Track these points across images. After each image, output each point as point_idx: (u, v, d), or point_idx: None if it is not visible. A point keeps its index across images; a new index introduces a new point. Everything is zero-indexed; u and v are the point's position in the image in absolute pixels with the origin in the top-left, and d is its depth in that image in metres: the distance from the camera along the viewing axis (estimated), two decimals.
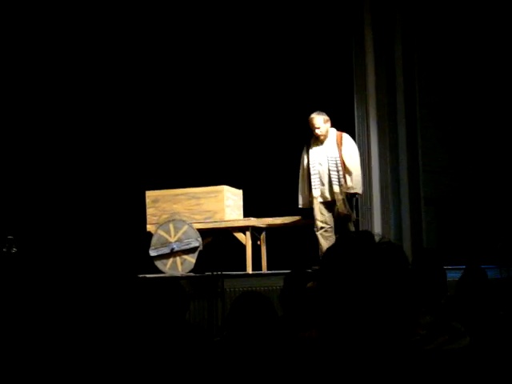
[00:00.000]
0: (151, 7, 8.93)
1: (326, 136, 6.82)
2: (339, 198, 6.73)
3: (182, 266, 7.05)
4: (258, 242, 7.24)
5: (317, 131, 6.80)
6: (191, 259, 6.99)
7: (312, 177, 6.81)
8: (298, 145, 8.71)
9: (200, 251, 6.99)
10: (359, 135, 8.01)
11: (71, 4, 8.74)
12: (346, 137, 6.90)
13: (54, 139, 8.86)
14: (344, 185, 6.73)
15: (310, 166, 6.84)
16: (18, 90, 8.82)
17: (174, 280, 5.40)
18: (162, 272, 7.11)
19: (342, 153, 6.78)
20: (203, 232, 7.13)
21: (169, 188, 7.40)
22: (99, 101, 8.96)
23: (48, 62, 8.86)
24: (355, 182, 6.75)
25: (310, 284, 3.06)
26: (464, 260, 4.98)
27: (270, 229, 7.36)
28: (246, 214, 7.53)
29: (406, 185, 7.77)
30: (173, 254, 7.05)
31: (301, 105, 8.74)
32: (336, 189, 6.71)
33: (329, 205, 6.81)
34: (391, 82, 7.92)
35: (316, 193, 6.80)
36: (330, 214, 6.82)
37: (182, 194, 7.27)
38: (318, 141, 6.86)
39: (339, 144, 6.81)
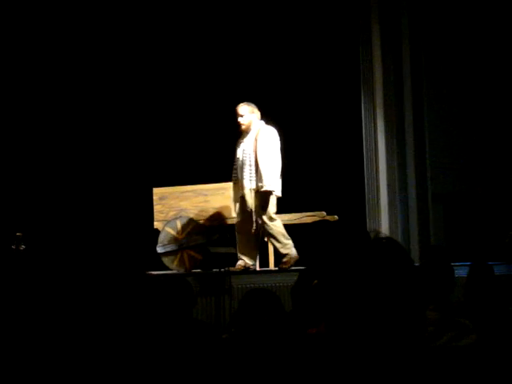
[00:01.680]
0: (157, 5, 8.93)
1: (248, 128, 6.56)
2: (247, 193, 6.45)
3: (189, 262, 7.06)
4: (266, 239, 7.24)
5: (239, 119, 6.55)
6: (198, 256, 7.00)
7: (233, 173, 6.68)
8: (304, 142, 8.71)
9: (207, 248, 7.00)
10: (366, 132, 8.00)
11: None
12: (263, 130, 6.60)
13: (61, 136, 8.88)
14: (255, 181, 6.43)
15: (235, 161, 6.67)
16: (27, 86, 8.85)
17: (181, 277, 5.41)
18: (169, 269, 7.12)
19: (257, 147, 6.51)
20: (210, 229, 7.13)
21: (176, 185, 7.41)
22: (107, 97, 8.97)
23: (55, 60, 8.87)
24: (266, 179, 6.42)
25: (315, 281, 3.06)
26: (471, 257, 4.97)
27: None
28: None
29: (414, 181, 7.75)
30: (180, 250, 7.06)
31: (307, 102, 8.74)
32: (245, 183, 6.44)
33: (244, 202, 6.55)
34: (398, 78, 7.90)
35: (233, 188, 6.71)
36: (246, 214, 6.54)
37: (189, 191, 7.28)
38: (242, 135, 6.63)
39: (256, 138, 6.55)
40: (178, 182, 7.49)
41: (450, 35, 7.98)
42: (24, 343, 1.67)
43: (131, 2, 8.93)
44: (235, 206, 6.73)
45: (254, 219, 6.49)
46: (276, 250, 6.72)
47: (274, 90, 8.79)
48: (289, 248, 6.57)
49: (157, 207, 7.39)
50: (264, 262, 7.14)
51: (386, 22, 7.93)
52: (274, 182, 6.48)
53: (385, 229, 7.61)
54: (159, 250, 7.16)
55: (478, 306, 3.41)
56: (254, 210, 6.48)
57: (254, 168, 6.45)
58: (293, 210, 7.24)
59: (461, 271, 4.01)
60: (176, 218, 7.17)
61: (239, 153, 6.59)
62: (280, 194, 6.65)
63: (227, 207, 7.21)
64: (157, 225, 7.38)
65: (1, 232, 7.54)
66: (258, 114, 6.68)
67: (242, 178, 6.49)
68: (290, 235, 7.38)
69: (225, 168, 8.15)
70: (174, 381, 2.36)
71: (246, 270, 6.58)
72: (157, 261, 7.14)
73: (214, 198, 7.30)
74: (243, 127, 6.58)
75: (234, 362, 2.05)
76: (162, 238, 7.23)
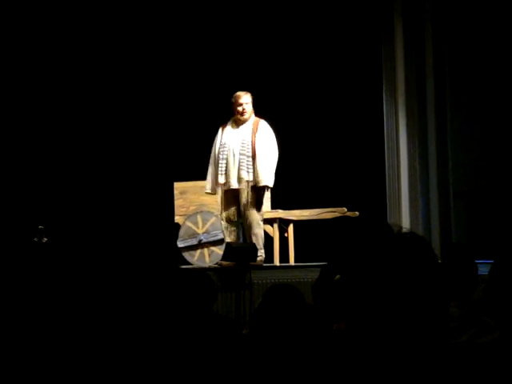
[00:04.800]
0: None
1: (248, 118, 6.47)
2: (244, 185, 6.33)
3: (209, 257, 7.08)
4: (286, 234, 7.24)
5: (244, 106, 6.40)
6: (219, 251, 7.01)
7: (220, 162, 6.42)
8: (326, 138, 8.70)
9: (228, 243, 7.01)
10: (388, 128, 7.96)
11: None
12: (262, 123, 6.51)
13: (84, 131, 8.94)
14: (252, 174, 6.29)
15: (221, 149, 6.45)
16: (51, 81, 8.91)
17: (202, 271, 5.43)
18: (189, 263, 7.15)
19: (256, 139, 6.38)
20: None
21: (197, 180, 7.43)
22: (129, 92, 9.01)
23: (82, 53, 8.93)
24: (263, 173, 6.31)
25: (337, 277, 3.06)
26: (493, 254, 4.93)
27: (297, 221, 7.35)
28: (274, 206, 7.53)
29: (435, 178, 7.70)
30: (200, 245, 7.08)
31: (330, 100, 8.72)
32: (243, 175, 6.29)
33: (233, 194, 6.44)
34: (421, 74, 7.85)
35: (221, 179, 6.43)
36: (235, 207, 6.43)
37: None
38: (234, 124, 6.49)
39: (255, 130, 6.42)
40: (199, 177, 7.50)
41: (474, 33, 7.90)
42: (48, 334, 1.69)
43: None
44: (221, 198, 6.58)
45: (242, 213, 6.39)
46: None
47: (296, 87, 8.78)
48: (263, 253, 6.52)
49: (178, 202, 7.41)
50: (284, 257, 7.14)
51: (409, 16, 7.88)
52: (270, 179, 6.38)
53: (406, 225, 7.57)
54: (180, 244, 7.19)
55: (500, 304, 3.39)
56: (247, 203, 6.37)
57: (251, 160, 6.31)
58: (313, 205, 7.23)
59: (482, 269, 3.98)
60: (197, 213, 7.19)
61: (226, 143, 6.41)
62: (271, 185, 6.54)
63: None
64: (178, 219, 7.41)
65: (23, 225, 7.62)
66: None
67: (240, 169, 6.33)
68: (310, 231, 7.39)
69: None
70: (194, 375, 2.37)
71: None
72: (178, 255, 7.16)
73: None
74: (246, 115, 6.45)
75: (254, 357, 2.06)
76: (182, 232, 7.25)
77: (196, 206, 7.23)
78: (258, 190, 6.38)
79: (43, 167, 8.81)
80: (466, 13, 7.86)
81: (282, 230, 7.19)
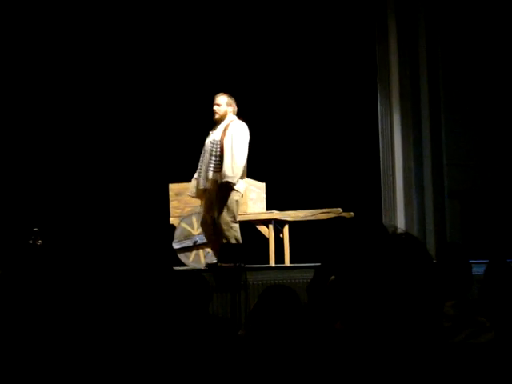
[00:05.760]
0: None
1: (221, 118, 6.38)
2: (212, 185, 6.22)
3: (205, 258, 7.07)
4: (281, 235, 7.24)
5: (214, 107, 6.38)
6: (214, 252, 7.00)
7: (199, 164, 6.38)
8: (321, 139, 8.71)
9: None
10: (382, 128, 7.98)
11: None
12: (235, 123, 6.39)
13: (78, 133, 8.93)
14: (219, 173, 6.15)
15: (202, 152, 6.42)
16: (45, 82, 8.90)
17: (197, 273, 5.42)
18: (184, 265, 7.14)
19: (225, 138, 6.26)
20: None
21: None
22: (123, 94, 9.00)
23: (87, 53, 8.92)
24: (225, 170, 6.14)
25: (332, 277, 3.06)
26: (489, 254, 4.95)
27: (292, 222, 7.36)
28: (269, 207, 7.54)
29: (430, 178, 7.72)
30: (196, 246, 7.08)
31: (323, 98, 8.73)
32: (210, 174, 6.19)
33: (203, 196, 6.34)
34: (415, 73, 7.86)
35: (192, 183, 6.40)
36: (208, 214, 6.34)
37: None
38: (215, 126, 6.44)
39: (226, 130, 6.33)
40: None
41: (467, 32, 7.92)
42: (44, 337, 1.69)
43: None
44: (202, 202, 6.50)
45: (212, 213, 6.30)
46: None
47: (291, 88, 8.79)
48: None
49: (173, 203, 7.41)
50: (280, 258, 7.14)
51: (403, 16, 7.90)
52: (234, 175, 6.18)
53: (401, 225, 7.58)
54: (175, 245, 7.18)
55: (495, 303, 3.40)
56: (215, 204, 6.29)
57: (219, 159, 6.21)
58: (308, 206, 7.23)
59: (477, 269, 3.99)
60: (192, 214, 7.19)
61: (207, 143, 6.39)
62: (242, 192, 6.38)
63: (243, 203, 7.22)
64: (173, 221, 7.40)
65: (18, 227, 7.60)
66: (234, 108, 6.51)
67: (207, 169, 6.25)
68: (306, 232, 7.36)
69: None
70: (190, 376, 2.37)
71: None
72: (173, 257, 7.16)
73: None
74: (217, 116, 6.41)
75: (250, 358, 2.06)
76: (177, 233, 7.25)
77: (191, 208, 7.22)
78: (223, 190, 6.22)
79: (38, 170, 8.80)
80: (459, 12, 7.88)
81: (278, 231, 7.19)
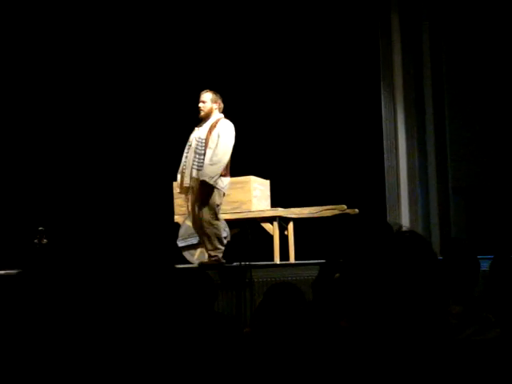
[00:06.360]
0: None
1: (206, 115, 6.36)
2: (194, 183, 6.20)
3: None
4: (286, 232, 7.24)
5: (200, 104, 6.37)
6: None
7: (182, 161, 6.37)
8: (325, 135, 8.70)
9: (228, 242, 7.01)
10: (386, 125, 7.97)
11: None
12: (222, 122, 6.35)
13: (83, 131, 8.94)
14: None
15: (185, 149, 6.39)
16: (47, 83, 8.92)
17: (202, 270, 5.43)
18: (190, 263, 7.14)
19: (211, 135, 6.24)
20: (231, 222, 7.15)
21: None
22: (127, 94, 9.01)
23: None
24: (205, 168, 6.12)
25: (337, 275, 3.06)
26: (493, 250, 4.94)
27: (297, 219, 7.36)
28: (274, 204, 7.54)
29: (434, 174, 7.70)
30: (201, 244, 7.08)
31: (327, 96, 8.72)
32: (194, 173, 6.17)
33: (189, 193, 6.33)
34: (418, 70, 7.85)
35: (178, 178, 6.39)
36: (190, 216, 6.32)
37: None
38: (200, 123, 6.42)
39: (212, 128, 6.30)
40: None
41: (471, 26, 7.90)
42: (48, 337, 1.69)
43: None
44: (186, 199, 6.51)
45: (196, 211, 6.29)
46: (205, 248, 6.48)
47: (294, 85, 8.78)
48: (219, 252, 6.37)
49: (177, 201, 7.41)
50: (284, 255, 7.15)
51: (406, 12, 7.88)
52: (213, 175, 6.15)
53: (405, 222, 7.58)
54: (180, 243, 7.18)
55: (501, 299, 3.39)
56: (196, 201, 6.29)
57: (203, 158, 6.20)
58: (313, 203, 7.23)
59: (482, 264, 3.98)
60: None
61: (191, 139, 6.37)
62: (224, 190, 6.33)
63: (247, 201, 7.22)
64: (177, 219, 7.40)
65: (23, 226, 7.62)
66: (220, 105, 6.48)
67: (192, 166, 6.23)
68: (310, 228, 7.36)
69: (244, 162, 8.16)
70: (196, 374, 2.37)
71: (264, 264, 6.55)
72: (178, 254, 7.17)
73: (234, 192, 7.30)
74: (202, 113, 6.39)
75: (256, 355, 2.06)
76: (182, 231, 7.25)
77: None
78: (204, 187, 6.17)
79: (43, 169, 8.82)
80: (463, 7, 7.85)
81: (282, 228, 7.19)
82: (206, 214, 6.24)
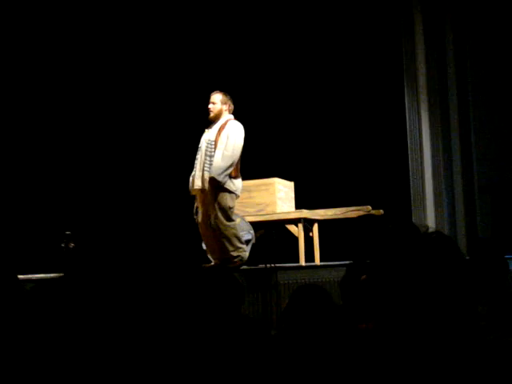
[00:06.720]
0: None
1: (216, 117, 6.33)
2: (207, 186, 6.14)
3: None
4: (311, 234, 7.24)
5: (209, 105, 6.35)
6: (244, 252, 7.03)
7: (195, 163, 6.34)
8: (349, 137, 8.68)
9: (253, 244, 7.02)
10: (410, 124, 7.93)
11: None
12: (231, 123, 6.32)
13: (109, 137, 9.03)
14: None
15: (198, 151, 6.38)
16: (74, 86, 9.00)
17: (229, 273, 5.44)
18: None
19: (220, 136, 6.22)
20: (255, 225, 7.15)
21: None
22: (154, 100, 9.07)
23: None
24: (214, 167, 6.09)
25: (364, 276, 3.05)
26: None
27: (322, 220, 7.35)
28: (298, 206, 7.54)
29: (460, 173, 7.65)
30: None
31: (350, 96, 8.70)
32: (206, 175, 6.14)
33: (200, 196, 6.30)
34: (442, 69, 7.80)
35: (190, 180, 6.35)
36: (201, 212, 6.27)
37: None
38: (210, 125, 6.39)
39: (221, 129, 6.27)
40: None
41: (496, 22, 7.84)
42: (84, 341, 1.72)
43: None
44: (196, 200, 6.46)
45: (209, 213, 6.24)
46: (227, 250, 6.36)
47: (317, 85, 8.78)
48: (241, 251, 6.32)
49: None
50: (310, 256, 7.15)
51: (429, 12, 7.84)
52: (221, 173, 6.11)
53: (431, 222, 7.54)
54: (205, 246, 7.20)
55: None
56: (208, 204, 6.25)
57: (213, 159, 6.18)
58: (338, 204, 7.22)
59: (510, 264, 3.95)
60: None
61: (202, 142, 6.36)
62: (235, 190, 6.27)
63: (272, 203, 7.23)
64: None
65: (51, 231, 7.71)
66: (230, 106, 6.46)
67: (203, 169, 6.21)
68: (335, 230, 7.33)
69: (268, 164, 8.17)
70: (224, 377, 2.38)
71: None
72: (203, 257, 7.19)
73: (258, 194, 7.31)
74: (211, 115, 6.37)
75: (285, 358, 2.07)
76: None
77: None
78: (215, 189, 6.16)
79: (71, 175, 8.91)
80: (486, 6, 7.79)
81: (307, 230, 7.18)
82: (219, 216, 6.21)
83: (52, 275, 6.85)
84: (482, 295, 2.49)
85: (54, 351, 1.64)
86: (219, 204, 6.20)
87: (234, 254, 6.36)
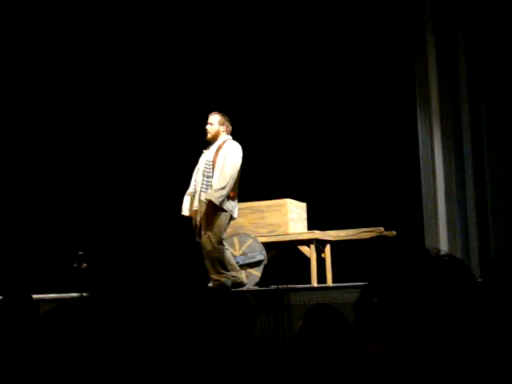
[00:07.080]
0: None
1: (213, 137, 6.38)
2: (204, 206, 6.16)
3: (247, 279, 7.09)
4: (323, 255, 7.23)
5: (207, 126, 6.40)
6: (256, 273, 7.02)
7: (190, 184, 6.38)
8: (361, 157, 8.68)
9: (265, 265, 7.01)
10: (423, 145, 7.92)
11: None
12: (228, 143, 6.35)
13: (116, 156, 9.07)
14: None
15: (194, 173, 6.41)
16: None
17: (240, 294, 5.44)
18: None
19: (217, 157, 6.26)
20: (267, 245, 7.15)
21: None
22: (164, 114, 9.12)
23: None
24: (213, 187, 6.12)
25: (376, 299, 3.04)
26: None
27: (334, 241, 7.34)
28: (310, 227, 7.53)
29: (473, 195, 7.62)
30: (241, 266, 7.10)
31: (363, 117, 8.71)
32: (202, 196, 6.18)
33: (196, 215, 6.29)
34: (455, 91, 7.80)
35: (184, 201, 6.36)
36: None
37: (245, 208, 7.31)
38: (208, 145, 6.43)
39: (219, 148, 6.30)
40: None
41: (508, 45, 7.84)
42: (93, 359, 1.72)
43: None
44: (193, 221, 6.44)
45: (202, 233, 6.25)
46: (208, 272, 6.38)
47: (329, 106, 8.80)
48: (223, 277, 6.29)
49: None
50: (322, 278, 7.13)
51: (441, 33, 7.86)
52: (219, 196, 6.13)
53: (443, 244, 7.49)
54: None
55: None
56: (202, 224, 6.26)
57: (211, 180, 6.22)
58: (350, 225, 7.21)
59: None
60: (233, 235, 7.22)
61: (200, 162, 6.39)
62: (231, 212, 6.31)
63: (284, 223, 7.23)
64: None
65: (64, 251, 7.73)
66: (228, 127, 6.50)
67: (200, 190, 6.25)
68: (347, 251, 7.30)
69: (281, 185, 8.17)
70: None
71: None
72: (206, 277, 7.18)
73: (270, 215, 7.32)
74: (208, 136, 6.42)
75: (298, 379, 2.06)
76: None
77: (232, 229, 7.25)
78: (209, 209, 6.16)
79: (83, 195, 8.95)
80: (499, 26, 7.79)
81: (319, 251, 7.17)
82: (211, 236, 6.23)
83: (65, 295, 6.87)
84: (496, 318, 2.48)
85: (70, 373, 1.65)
86: (213, 224, 6.21)
87: (214, 277, 6.34)
